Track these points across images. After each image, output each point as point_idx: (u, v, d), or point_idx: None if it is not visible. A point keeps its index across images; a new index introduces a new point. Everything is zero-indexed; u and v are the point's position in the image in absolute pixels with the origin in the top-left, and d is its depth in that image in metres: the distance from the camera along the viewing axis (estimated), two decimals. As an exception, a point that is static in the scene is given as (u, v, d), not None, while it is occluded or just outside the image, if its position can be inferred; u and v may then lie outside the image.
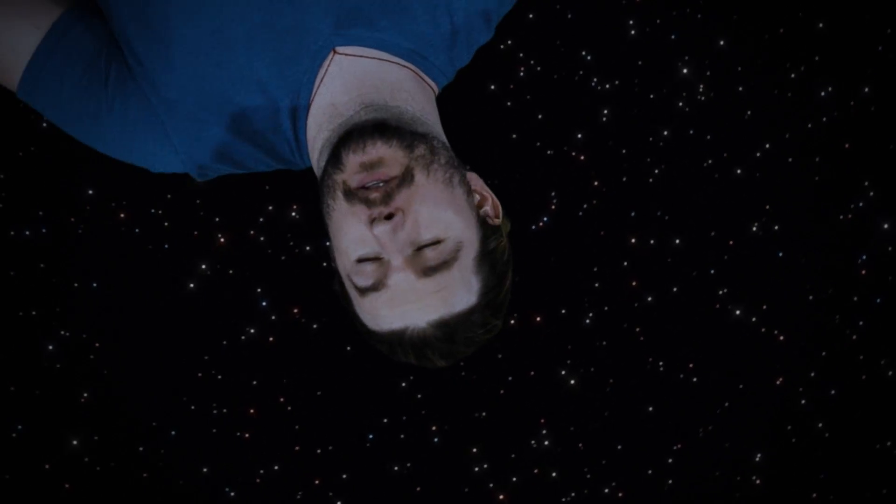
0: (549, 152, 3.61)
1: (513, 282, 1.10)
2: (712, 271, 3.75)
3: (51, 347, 3.45)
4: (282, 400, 3.67)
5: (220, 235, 3.47)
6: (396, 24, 1.05)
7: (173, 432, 3.61)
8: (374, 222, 0.93)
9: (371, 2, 1.03)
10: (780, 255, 3.73)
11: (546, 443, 3.85)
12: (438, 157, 0.98)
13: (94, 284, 3.44)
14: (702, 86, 3.60)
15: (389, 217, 0.93)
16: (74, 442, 3.51)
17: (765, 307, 3.78)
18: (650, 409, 3.85)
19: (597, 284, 3.73)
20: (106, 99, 1.06)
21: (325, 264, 1.20)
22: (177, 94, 1.05)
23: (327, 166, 0.98)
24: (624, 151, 3.66)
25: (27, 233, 3.32)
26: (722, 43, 3.54)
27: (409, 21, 1.06)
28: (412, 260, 0.96)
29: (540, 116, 3.55)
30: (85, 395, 3.52)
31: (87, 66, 1.06)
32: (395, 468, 3.80)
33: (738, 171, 3.67)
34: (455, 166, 1.01)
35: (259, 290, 3.58)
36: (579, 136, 3.62)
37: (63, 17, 1.06)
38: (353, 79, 1.04)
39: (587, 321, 3.76)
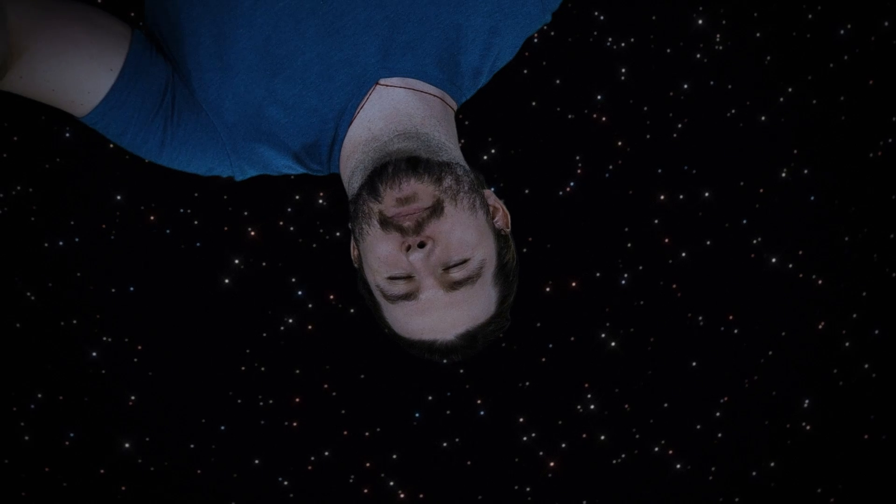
0: (570, 116, 3.58)
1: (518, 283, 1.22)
2: (745, 221, 3.72)
3: (94, 354, 3.49)
4: (326, 386, 3.69)
5: (249, 229, 3.49)
6: (437, 60, 1.17)
7: (222, 427, 3.65)
8: (408, 250, 1.04)
9: (418, 41, 1.15)
10: (812, 198, 3.69)
11: (592, 407, 3.84)
12: (462, 185, 1.08)
13: (131, 288, 3.48)
14: (718, 35, 3.55)
15: (422, 245, 1.04)
16: (126, 445, 3.56)
17: (801, 252, 3.75)
18: (693, 364, 3.84)
19: (629, 244, 3.71)
20: (171, 128, 1.14)
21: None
22: (235, 119, 1.15)
23: (364, 192, 1.07)
24: (645, 109, 3.63)
25: (61, 243, 3.35)
26: (735, -11, 3.49)
27: (448, 57, 1.18)
28: (441, 278, 1.08)
29: (558, 81, 3.52)
30: (132, 398, 3.56)
31: (156, 102, 1.12)
32: (444, 444, 3.82)
33: (763, 118, 3.63)
34: (476, 190, 1.11)
35: (293, 279, 3.59)
36: (599, 97, 3.59)
37: (131, 57, 1.10)
38: (391, 108, 1.15)
39: (623, 282, 3.74)
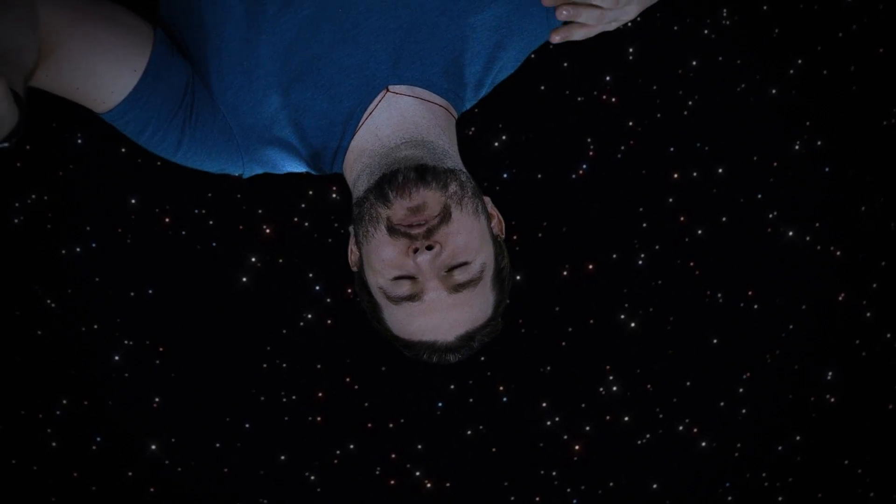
0: (579, 99, 3.56)
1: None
2: (760, 196, 3.70)
3: (117, 358, 3.51)
4: (348, 380, 3.70)
5: (265, 226, 3.49)
6: (444, 70, 1.22)
7: (247, 425, 3.66)
8: (416, 252, 1.07)
9: (427, 51, 1.19)
10: (827, 169, 3.67)
11: (614, 388, 3.84)
12: (466, 190, 1.12)
13: (150, 291, 3.49)
14: (725, 10, 3.53)
15: (429, 248, 1.07)
16: (153, 447, 3.58)
17: (817, 224, 3.73)
18: (714, 341, 3.83)
19: (645, 224, 3.70)
20: (189, 129, 1.17)
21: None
22: (251, 122, 1.19)
23: (371, 196, 1.10)
24: (655, 87, 3.61)
25: (78, 249, 3.37)
26: (741, -38, 3.47)
27: (455, 68, 1.22)
28: (445, 279, 1.11)
29: (565, 64, 3.51)
30: (156, 400, 3.58)
31: (176, 102, 1.15)
32: (469, 432, 3.82)
33: (773, 92, 3.60)
34: (478, 195, 1.15)
35: (311, 275, 3.60)
36: (608, 78, 3.57)
37: (154, 58, 1.12)
38: (398, 115, 1.19)
39: (640, 262, 3.73)
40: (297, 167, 1.29)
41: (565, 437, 3.86)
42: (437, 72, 1.21)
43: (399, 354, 1.25)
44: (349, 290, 3.63)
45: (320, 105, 1.19)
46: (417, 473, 3.82)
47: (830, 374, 3.86)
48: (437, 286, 1.11)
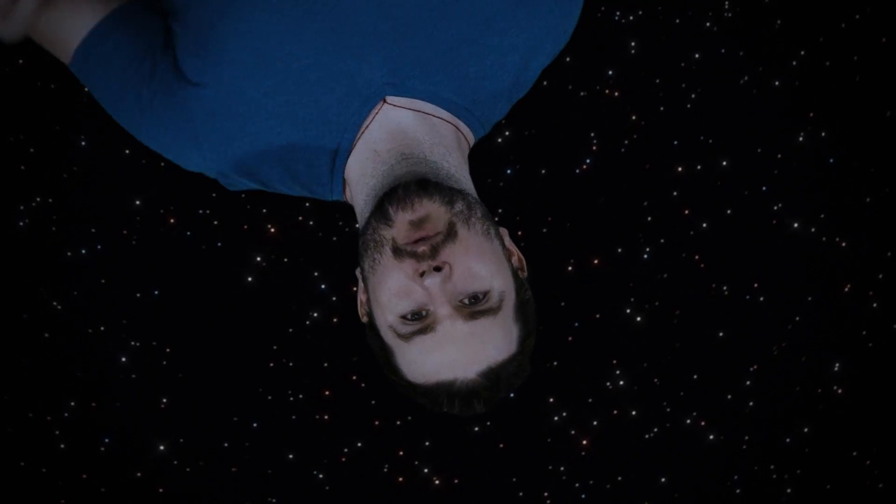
0: (582, 94, 3.56)
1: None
2: (764, 188, 3.69)
3: (124, 359, 3.51)
4: (354, 377, 3.70)
5: (269, 226, 3.50)
6: (449, 79, 1.09)
7: (255, 424, 3.67)
8: (423, 275, 0.97)
9: (427, 56, 1.07)
10: (831, 160, 3.66)
11: (621, 383, 3.84)
12: (475, 211, 1.02)
13: (156, 292, 3.49)
14: (727, 2, 3.53)
15: (438, 269, 0.97)
16: (161, 447, 3.59)
17: (822, 216, 3.72)
18: (721, 334, 3.83)
19: (649, 218, 3.70)
20: (148, 93, 1.08)
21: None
22: (218, 109, 1.08)
23: (373, 220, 1.01)
24: (657, 81, 3.61)
25: (83, 251, 3.37)
26: (742, -46, 3.47)
27: (460, 76, 1.09)
28: (459, 309, 1.00)
29: (568, 59, 3.51)
30: (164, 400, 3.59)
31: (134, 59, 1.08)
32: (476, 429, 3.82)
33: (776, 83, 3.60)
34: (490, 219, 1.04)
35: (316, 273, 3.60)
36: (610, 72, 3.57)
37: (121, 7, 1.09)
38: (398, 130, 1.08)
39: (645, 256, 3.73)
40: (290, 185, 1.16)
41: (573, 432, 3.86)
42: (441, 82, 1.09)
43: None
44: (354, 288, 3.62)
45: (305, 111, 1.08)
46: (426, 470, 3.82)
47: (837, 365, 3.85)
48: (450, 314, 1.00)
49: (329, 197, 1.17)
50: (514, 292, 1.05)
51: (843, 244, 3.76)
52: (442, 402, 1.04)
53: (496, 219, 1.11)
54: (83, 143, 3.22)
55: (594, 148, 3.62)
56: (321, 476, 3.75)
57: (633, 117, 3.62)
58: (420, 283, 0.98)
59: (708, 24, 3.54)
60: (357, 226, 1.13)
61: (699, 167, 3.66)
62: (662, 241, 3.72)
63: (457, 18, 1.06)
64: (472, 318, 1.00)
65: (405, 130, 1.08)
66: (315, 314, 3.61)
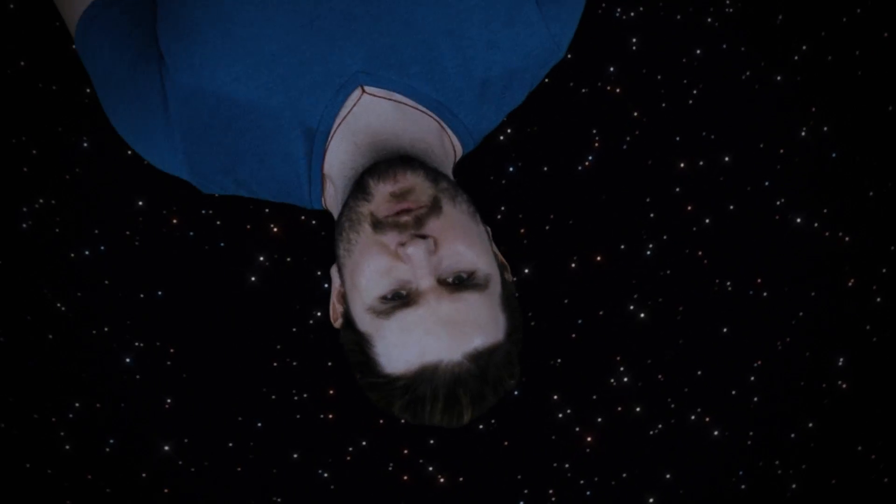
0: (583, 91, 3.56)
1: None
2: (767, 183, 3.69)
3: (128, 360, 3.52)
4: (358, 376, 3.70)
5: (272, 225, 3.50)
6: (427, 72, 1.03)
7: (259, 424, 3.67)
8: (405, 245, 0.91)
9: (404, 45, 1.01)
10: (834, 155, 3.66)
11: (625, 379, 3.84)
12: (461, 194, 0.97)
13: (159, 293, 3.49)
14: (728, -3, 3.53)
15: (422, 238, 0.91)
16: (166, 448, 3.59)
17: (825, 210, 3.72)
18: (724, 330, 3.82)
19: (652, 215, 3.69)
20: (130, 78, 1.04)
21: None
22: (190, 96, 1.03)
23: (350, 199, 0.96)
24: (659, 77, 3.60)
25: (87, 253, 3.38)
26: (743, -51, 3.46)
27: (439, 70, 1.04)
28: (444, 284, 0.94)
29: (569, 56, 3.50)
30: (168, 401, 3.59)
31: (127, 31, 1.05)
32: (481, 426, 3.82)
33: (778, 78, 3.59)
34: (474, 208, 0.99)
35: (319, 273, 3.60)
36: (612, 69, 3.57)
37: None
38: (377, 120, 1.02)
39: (648, 253, 3.73)
40: (259, 178, 1.08)
41: (577, 429, 3.86)
42: (417, 73, 1.03)
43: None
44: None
45: (276, 99, 1.02)
46: (430, 469, 3.83)
47: (842, 360, 3.85)
48: (433, 287, 0.93)
49: (307, 200, 1.10)
50: (500, 282, 1.00)
51: (847, 239, 3.75)
52: (425, 396, 0.95)
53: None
54: (85, 145, 3.22)
55: (596, 145, 3.62)
56: (326, 475, 3.75)
57: (635, 114, 3.62)
58: (403, 255, 0.92)
59: (709, 19, 3.54)
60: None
61: (701, 163, 3.66)
62: (665, 237, 3.71)
63: (435, 6, 1.01)
64: (457, 291, 0.94)
65: (385, 122, 1.03)
66: (318, 313, 3.61)
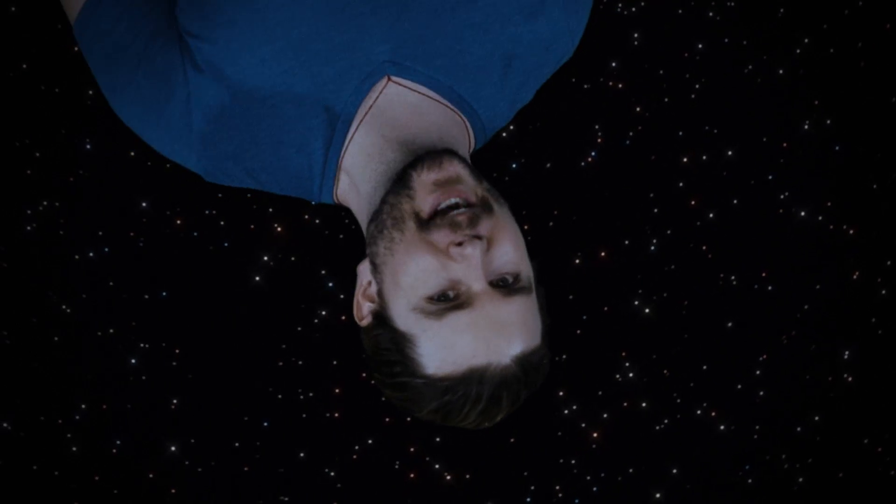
0: (585, 86, 3.56)
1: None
2: (770, 177, 3.69)
3: (134, 361, 3.52)
4: (364, 375, 3.70)
5: (276, 225, 3.50)
6: (451, 65, 1.02)
7: (265, 423, 3.67)
8: (462, 245, 0.88)
9: (431, 36, 0.99)
10: (837, 148, 3.65)
11: (631, 375, 3.84)
12: (500, 195, 0.96)
13: (164, 293, 3.50)
14: (730, -9, 3.52)
15: (479, 238, 0.89)
16: (173, 448, 3.60)
17: (829, 204, 3.71)
18: (729, 324, 3.82)
19: (656, 210, 3.69)
20: (146, 55, 1.01)
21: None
22: (211, 75, 1.01)
23: (390, 195, 0.93)
24: (661, 72, 3.60)
25: (91, 254, 3.38)
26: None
27: (462, 64, 1.02)
28: (496, 286, 0.92)
29: (571, 52, 3.50)
30: (174, 401, 3.59)
31: (150, 9, 1.03)
32: (486, 424, 3.82)
33: (781, 72, 3.59)
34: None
35: (323, 271, 3.60)
36: (613, 64, 3.56)
37: None
38: (405, 113, 1.00)
39: (652, 248, 3.72)
40: (270, 167, 1.05)
41: (583, 424, 3.86)
42: (443, 67, 1.01)
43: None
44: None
45: (301, 85, 0.99)
46: (437, 466, 3.83)
47: (847, 353, 3.84)
48: (486, 290, 0.90)
49: (316, 192, 1.07)
50: (535, 284, 0.99)
51: (851, 232, 3.75)
52: (468, 398, 0.93)
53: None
54: (88, 147, 3.22)
55: (599, 140, 3.62)
56: (332, 474, 3.76)
57: (638, 109, 3.61)
58: (456, 255, 0.89)
59: (711, 13, 3.53)
60: (360, 221, 1.05)
61: (705, 157, 3.66)
62: (669, 232, 3.71)
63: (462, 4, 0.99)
64: (509, 294, 0.92)
65: (413, 115, 1.00)
66: (323, 312, 3.61)
